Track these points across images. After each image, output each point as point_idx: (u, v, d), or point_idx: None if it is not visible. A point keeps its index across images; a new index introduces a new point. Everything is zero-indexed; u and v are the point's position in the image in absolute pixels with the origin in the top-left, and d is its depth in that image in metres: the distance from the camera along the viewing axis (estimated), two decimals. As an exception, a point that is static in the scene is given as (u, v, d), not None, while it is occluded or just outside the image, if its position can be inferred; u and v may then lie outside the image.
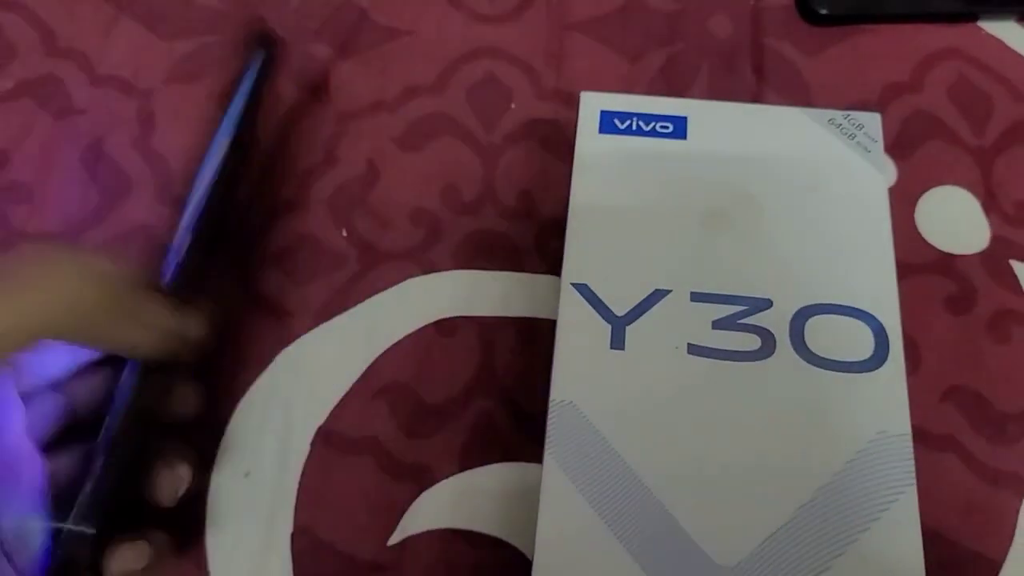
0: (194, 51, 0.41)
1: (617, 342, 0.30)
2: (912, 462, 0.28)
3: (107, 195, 0.37)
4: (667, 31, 0.41)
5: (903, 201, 0.37)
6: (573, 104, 0.40)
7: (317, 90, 0.40)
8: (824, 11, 0.40)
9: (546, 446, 0.28)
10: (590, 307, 0.30)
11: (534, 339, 0.36)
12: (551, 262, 0.37)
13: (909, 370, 0.30)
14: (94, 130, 0.39)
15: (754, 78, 0.40)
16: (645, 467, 0.28)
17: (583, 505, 0.27)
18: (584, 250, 0.31)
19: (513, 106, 0.40)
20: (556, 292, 0.36)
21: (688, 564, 0.26)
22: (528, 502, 0.33)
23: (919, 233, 0.37)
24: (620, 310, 0.30)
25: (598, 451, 0.28)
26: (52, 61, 0.40)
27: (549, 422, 0.28)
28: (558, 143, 0.40)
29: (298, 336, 0.36)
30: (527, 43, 0.41)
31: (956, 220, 0.37)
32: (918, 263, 0.36)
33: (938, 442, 0.33)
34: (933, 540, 0.28)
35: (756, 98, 0.39)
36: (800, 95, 0.40)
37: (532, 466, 0.33)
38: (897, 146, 0.38)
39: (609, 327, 0.30)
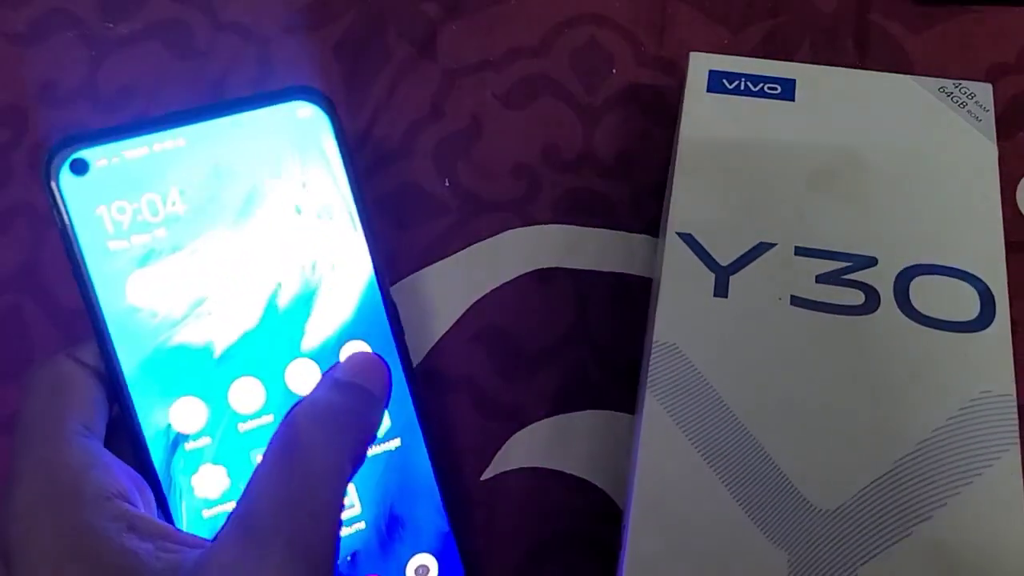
0: (311, 3, 0.42)
1: (720, 290, 0.30)
2: (1016, 422, 0.27)
3: (225, 134, 0.39)
4: (771, 3, 0.42)
5: (1004, 180, 0.37)
6: (673, 72, 0.41)
7: (425, 47, 0.42)
8: (932, -11, 0.40)
9: (648, 384, 0.29)
10: (694, 256, 0.31)
11: (628, 295, 0.36)
12: (646, 222, 0.38)
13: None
14: (215, 71, 0.40)
15: (856, 53, 0.41)
16: (745, 409, 0.28)
17: (682, 441, 0.28)
18: (690, 201, 0.32)
19: (614, 71, 0.41)
20: (651, 251, 0.37)
21: (786, 506, 0.27)
22: (617, 448, 0.34)
23: (1020, 212, 0.37)
24: (724, 260, 0.31)
25: (699, 391, 0.28)
26: (178, 7, 0.42)
27: (652, 362, 0.29)
28: (657, 109, 0.40)
29: (400, 278, 0.37)
30: (630, 11, 0.42)
31: (1059, 201, 0.37)
32: (1019, 241, 0.36)
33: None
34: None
35: (859, 72, 0.39)
36: (903, 72, 0.40)
37: (622, 415, 0.34)
38: (1001, 126, 0.38)
39: (713, 275, 0.30)
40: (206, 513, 0.25)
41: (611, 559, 0.31)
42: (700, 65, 0.35)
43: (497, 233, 0.37)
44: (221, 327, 0.25)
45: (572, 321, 0.36)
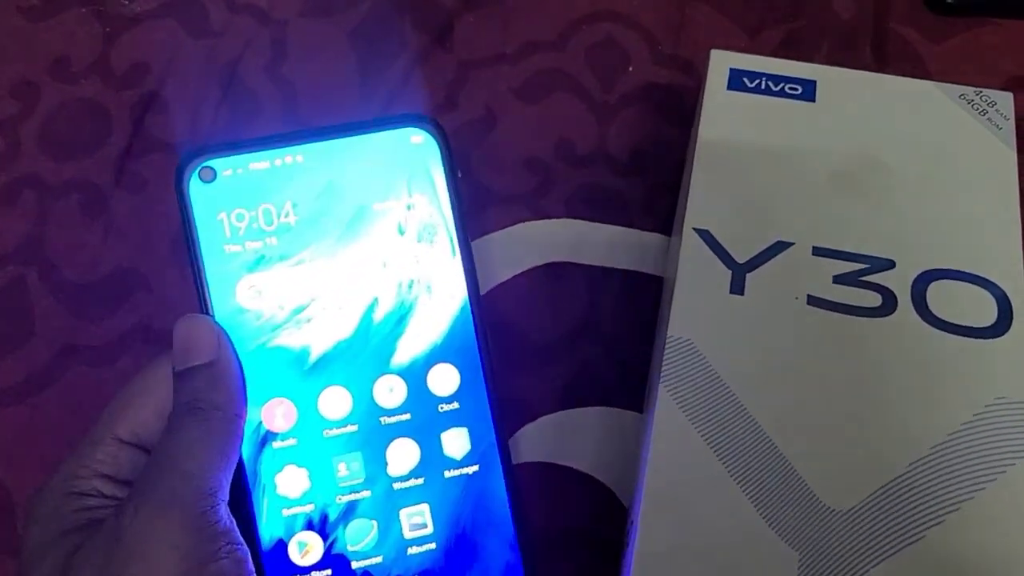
0: (328, -11, 0.42)
1: (736, 287, 0.30)
2: (1031, 429, 0.27)
3: (236, 113, 0.39)
4: (790, 7, 0.42)
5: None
6: (690, 72, 0.41)
7: (441, 37, 0.41)
8: (952, 0, 0.40)
9: (661, 379, 0.28)
10: (711, 252, 0.30)
11: (639, 292, 0.36)
12: (659, 220, 0.38)
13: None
14: (229, 53, 0.40)
15: (873, 58, 0.41)
16: (759, 407, 0.28)
17: (694, 436, 0.27)
18: (707, 197, 0.31)
19: (631, 69, 0.41)
20: (662, 249, 0.37)
21: (798, 505, 0.26)
22: (623, 446, 0.33)
23: (1034, 224, 0.37)
24: (741, 257, 0.30)
25: (712, 387, 0.28)
26: (194, -13, 0.42)
27: (666, 356, 0.29)
28: (673, 108, 0.40)
29: (408, 267, 0.36)
30: (649, 10, 0.42)
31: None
32: (1032, 252, 0.36)
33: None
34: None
35: (876, 79, 0.39)
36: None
37: (630, 413, 0.34)
38: (1018, 137, 0.38)
39: (729, 272, 0.30)
40: (285, 512, 0.26)
41: (613, 556, 0.31)
42: (721, 62, 0.35)
43: (509, 226, 0.37)
44: (318, 335, 0.26)
45: (582, 316, 0.35)
